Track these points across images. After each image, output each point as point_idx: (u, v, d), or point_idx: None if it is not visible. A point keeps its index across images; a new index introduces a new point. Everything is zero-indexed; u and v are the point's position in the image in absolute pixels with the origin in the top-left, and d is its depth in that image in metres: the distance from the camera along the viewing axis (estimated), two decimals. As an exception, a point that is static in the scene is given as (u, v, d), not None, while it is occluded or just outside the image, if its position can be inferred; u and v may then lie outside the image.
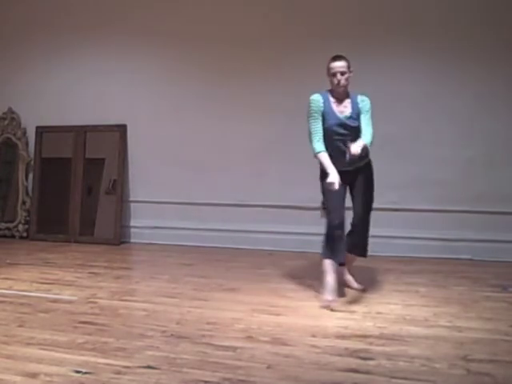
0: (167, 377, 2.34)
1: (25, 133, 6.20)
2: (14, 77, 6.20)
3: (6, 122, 6.24)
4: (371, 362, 2.47)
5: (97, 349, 2.66)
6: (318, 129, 3.48)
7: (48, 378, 2.33)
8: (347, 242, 3.56)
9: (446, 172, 4.81)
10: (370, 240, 4.32)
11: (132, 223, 5.84)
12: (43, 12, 6.06)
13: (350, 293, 3.67)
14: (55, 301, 3.53)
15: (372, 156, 4.92)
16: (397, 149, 4.93)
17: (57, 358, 2.55)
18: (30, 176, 6.16)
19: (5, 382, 2.30)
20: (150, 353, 2.61)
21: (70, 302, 3.51)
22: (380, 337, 2.80)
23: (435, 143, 4.87)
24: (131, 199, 5.85)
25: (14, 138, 6.21)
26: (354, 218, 3.59)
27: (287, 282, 4.02)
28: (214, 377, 2.33)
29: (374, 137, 3.49)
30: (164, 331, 2.92)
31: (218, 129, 5.43)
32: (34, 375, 2.36)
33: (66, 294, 3.68)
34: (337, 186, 3.32)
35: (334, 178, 3.33)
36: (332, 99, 3.52)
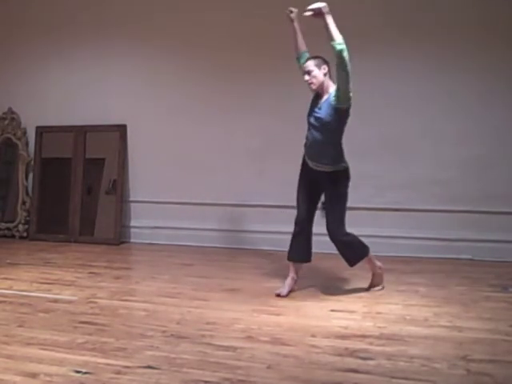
0: (167, 377, 2.34)
1: (25, 133, 6.19)
2: (14, 77, 6.19)
3: (6, 122, 6.23)
4: (371, 362, 2.47)
5: (97, 349, 2.66)
6: None
7: (48, 378, 2.33)
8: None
9: (446, 172, 4.81)
10: (370, 240, 4.31)
11: (132, 223, 5.84)
12: (43, 12, 6.06)
13: (349, 293, 3.67)
14: (55, 301, 3.53)
15: (372, 156, 4.96)
16: (397, 149, 4.94)
17: (57, 358, 2.55)
18: (30, 176, 6.16)
19: (5, 382, 2.30)
20: (149, 353, 2.62)
21: (70, 301, 3.51)
22: (380, 337, 2.81)
23: (435, 143, 4.87)
24: (131, 199, 5.85)
25: (14, 138, 6.20)
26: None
27: (287, 281, 4.01)
28: (214, 377, 2.33)
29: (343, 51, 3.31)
30: (164, 331, 2.92)
31: (217, 129, 5.44)
32: (33, 375, 2.36)
33: (66, 294, 3.68)
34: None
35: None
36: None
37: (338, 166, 3.53)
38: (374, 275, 3.73)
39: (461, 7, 4.75)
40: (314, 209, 3.66)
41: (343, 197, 3.55)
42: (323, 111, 3.48)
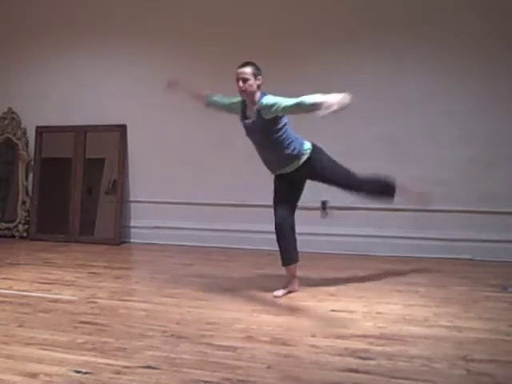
0: (167, 377, 2.34)
1: (25, 133, 6.19)
2: (14, 77, 6.19)
3: (6, 122, 6.23)
4: (371, 362, 2.47)
5: (97, 349, 2.66)
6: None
7: (48, 378, 2.33)
8: None
9: (446, 172, 4.80)
10: (370, 240, 4.33)
11: (132, 223, 5.84)
12: (43, 12, 6.06)
13: (349, 293, 3.67)
14: (55, 301, 3.53)
15: (372, 156, 4.95)
16: (397, 149, 4.93)
17: (57, 358, 2.55)
18: (30, 176, 6.16)
19: (5, 382, 2.30)
20: (149, 353, 2.61)
21: (70, 301, 3.51)
22: (380, 337, 2.80)
23: (435, 143, 4.86)
24: (131, 199, 5.85)
25: (14, 138, 6.20)
26: None
27: (287, 281, 4.01)
28: (214, 377, 2.33)
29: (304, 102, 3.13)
30: (164, 331, 2.92)
31: (217, 129, 5.43)
32: (33, 375, 2.36)
33: (66, 294, 3.68)
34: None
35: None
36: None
37: (301, 158, 3.44)
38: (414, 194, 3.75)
39: (461, 7, 4.75)
40: (291, 209, 3.56)
41: (332, 163, 3.46)
42: (257, 123, 3.39)
